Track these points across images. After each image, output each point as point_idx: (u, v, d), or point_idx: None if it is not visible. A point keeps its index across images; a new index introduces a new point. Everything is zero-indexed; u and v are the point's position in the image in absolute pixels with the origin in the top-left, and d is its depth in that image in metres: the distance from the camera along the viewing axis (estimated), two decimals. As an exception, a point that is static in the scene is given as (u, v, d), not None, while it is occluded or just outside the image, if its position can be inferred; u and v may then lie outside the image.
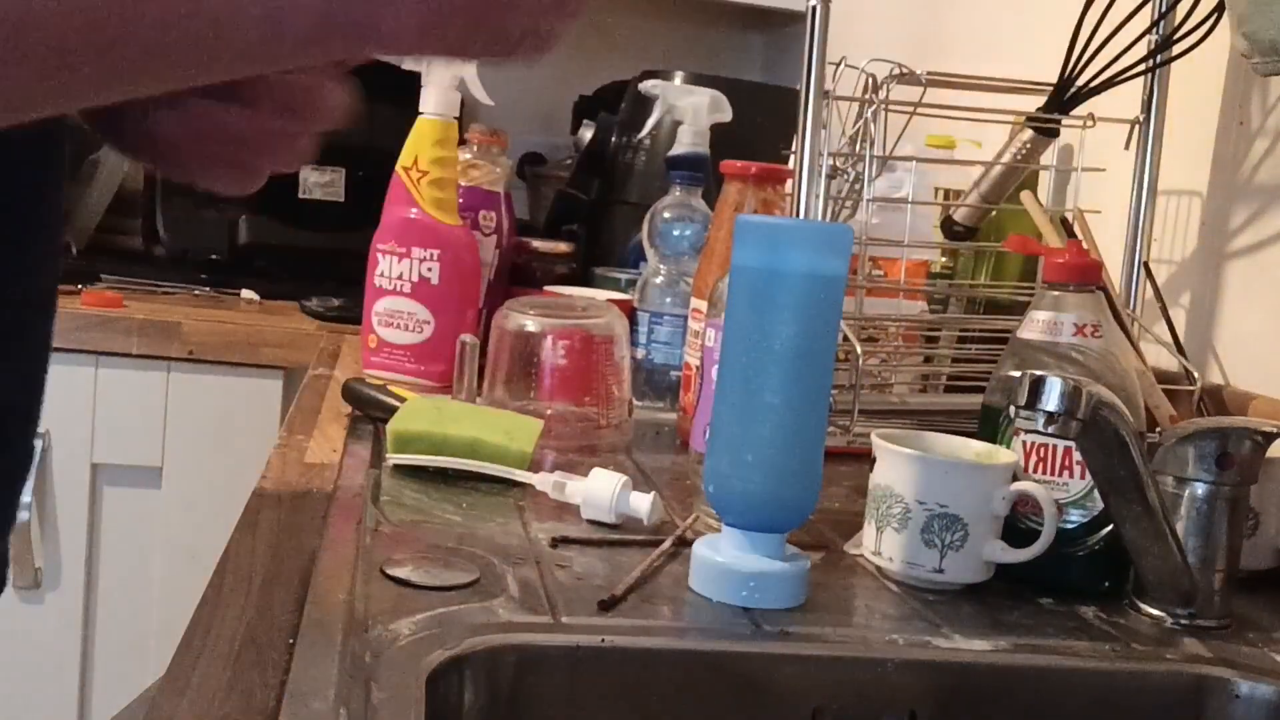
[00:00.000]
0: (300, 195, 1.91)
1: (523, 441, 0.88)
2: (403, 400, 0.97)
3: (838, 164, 1.08)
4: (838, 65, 1.04)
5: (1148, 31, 1.04)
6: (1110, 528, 0.71)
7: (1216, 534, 0.71)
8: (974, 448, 0.76)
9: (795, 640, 0.63)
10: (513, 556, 0.71)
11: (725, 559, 0.67)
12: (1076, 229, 1.11)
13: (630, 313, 1.20)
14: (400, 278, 1.19)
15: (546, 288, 1.37)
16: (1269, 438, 0.71)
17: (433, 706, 0.52)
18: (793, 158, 1.07)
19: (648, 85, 1.43)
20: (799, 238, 0.67)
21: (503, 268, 1.38)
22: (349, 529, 0.72)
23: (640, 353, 1.21)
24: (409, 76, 1.23)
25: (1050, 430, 0.61)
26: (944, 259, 1.28)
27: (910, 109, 1.05)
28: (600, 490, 0.80)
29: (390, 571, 0.65)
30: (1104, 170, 1.10)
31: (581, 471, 0.83)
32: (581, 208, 1.70)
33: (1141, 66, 1.03)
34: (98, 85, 0.42)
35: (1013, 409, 0.59)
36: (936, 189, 1.26)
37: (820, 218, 1.04)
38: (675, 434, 1.10)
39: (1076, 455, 0.73)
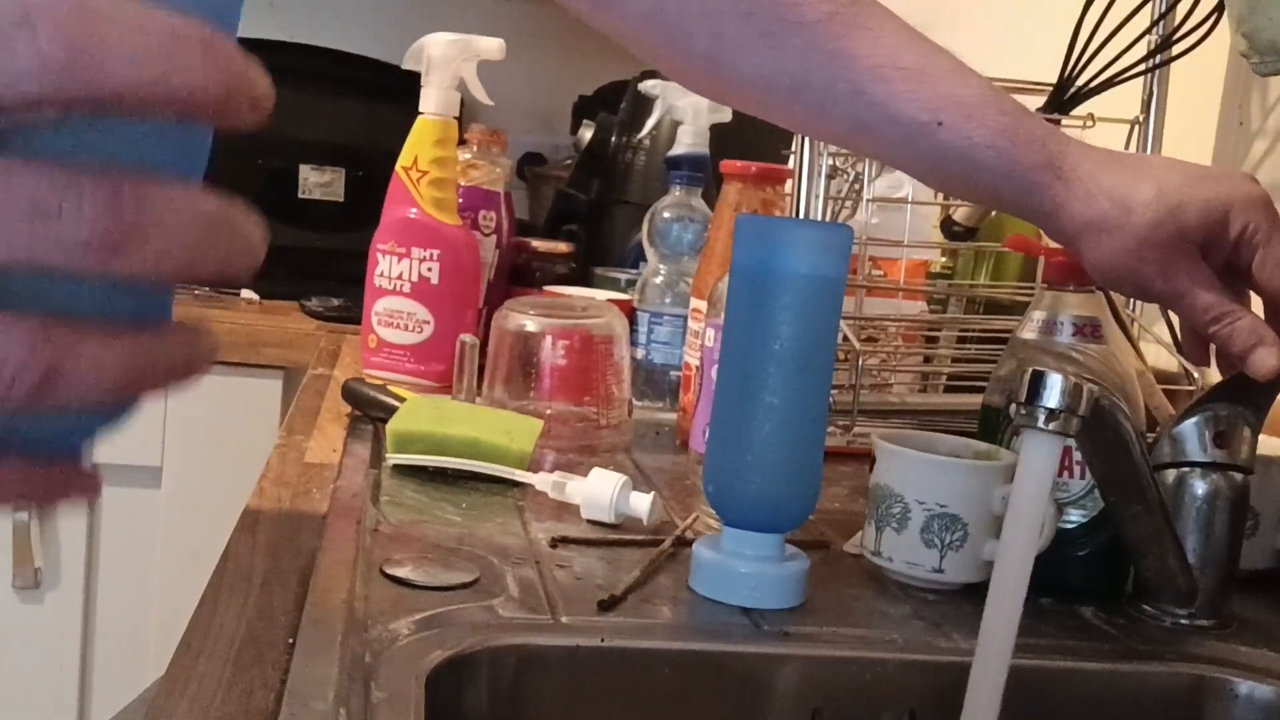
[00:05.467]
0: (300, 195, 1.91)
1: (522, 441, 0.88)
2: (402, 400, 0.97)
3: (838, 164, 1.08)
4: (838, 65, 1.04)
5: (1148, 31, 1.04)
6: (1110, 528, 0.71)
7: (1216, 534, 0.71)
8: (974, 448, 0.76)
9: (795, 640, 0.63)
10: (512, 556, 0.71)
11: (725, 559, 0.67)
12: (1076, 229, 1.11)
13: (630, 313, 1.20)
14: (400, 278, 1.19)
15: (546, 288, 1.37)
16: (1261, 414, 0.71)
17: (432, 706, 0.52)
18: (793, 158, 1.07)
19: (648, 85, 1.43)
20: (799, 238, 0.67)
21: (503, 268, 1.38)
22: (349, 529, 0.72)
23: (640, 353, 1.21)
24: (409, 76, 1.23)
25: (1051, 427, 0.60)
26: (944, 259, 1.28)
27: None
28: (600, 490, 0.79)
29: (390, 571, 0.65)
30: (1104, 170, 1.10)
31: (581, 471, 0.83)
32: (581, 208, 1.70)
33: (1141, 66, 1.03)
34: None
35: (1013, 406, 0.59)
36: (936, 189, 1.26)
37: (820, 218, 1.04)
38: (675, 434, 1.10)
39: (1077, 455, 0.73)
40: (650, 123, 1.49)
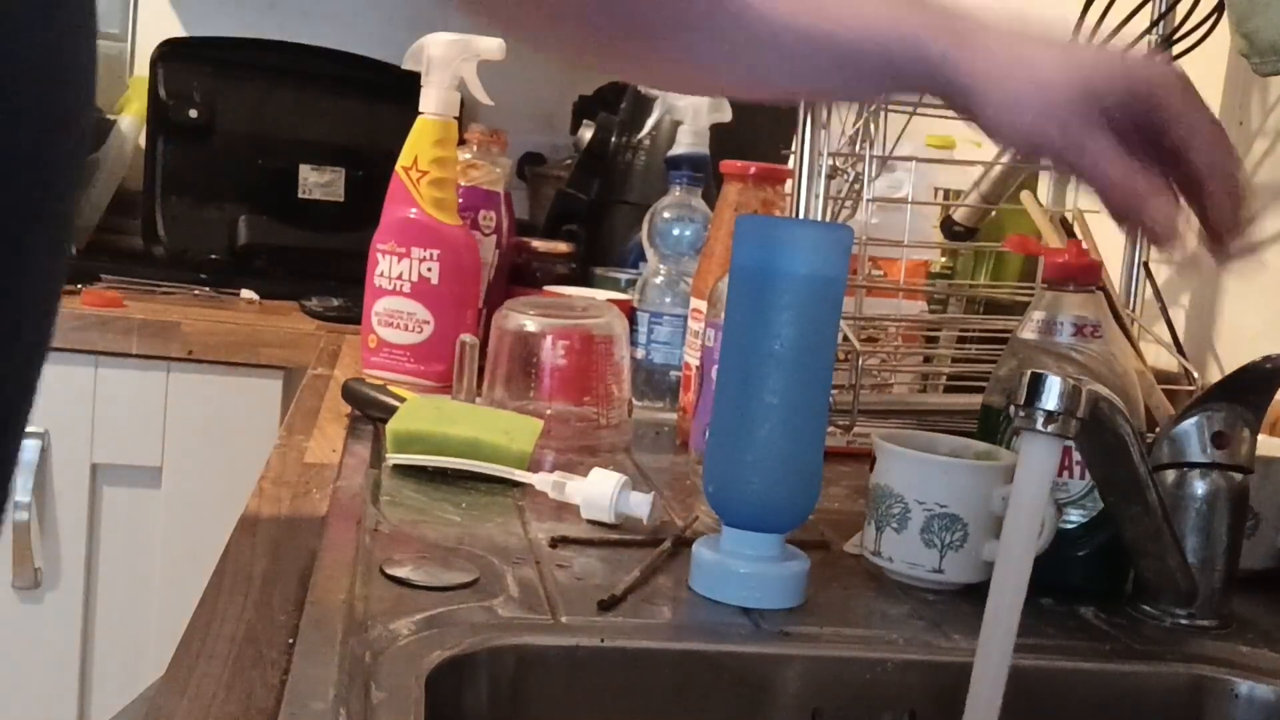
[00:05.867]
0: (300, 195, 1.91)
1: (522, 441, 0.88)
2: (402, 400, 0.97)
3: (838, 164, 1.08)
4: (838, 65, 1.04)
5: (1148, 31, 1.04)
6: (1110, 528, 0.71)
7: (1216, 534, 0.71)
8: (974, 448, 0.76)
9: (795, 640, 0.63)
10: (512, 556, 0.71)
11: (725, 559, 0.67)
12: (1076, 229, 1.11)
13: (630, 313, 1.20)
14: (400, 278, 1.19)
15: (546, 288, 1.37)
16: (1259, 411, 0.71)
17: (432, 706, 0.52)
18: (793, 158, 1.07)
19: (648, 85, 1.43)
20: (799, 238, 0.67)
21: (503, 268, 1.38)
22: (349, 529, 0.72)
23: (640, 353, 1.21)
24: (409, 76, 1.23)
25: (1050, 429, 0.60)
26: (944, 259, 1.28)
27: (910, 109, 1.05)
28: (600, 490, 0.79)
29: (390, 571, 0.65)
30: (1104, 170, 1.10)
31: (581, 471, 0.83)
32: (581, 208, 1.70)
33: (1141, 66, 1.03)
34: None
35: (1012, 408, 0.59)
36: (936, 189, 1.26)
37: (820, 218, 1.04)
38: (675, 434, 1.10)
39: (1076, 455, 0.73)
40: (650, 123, 1.49)
